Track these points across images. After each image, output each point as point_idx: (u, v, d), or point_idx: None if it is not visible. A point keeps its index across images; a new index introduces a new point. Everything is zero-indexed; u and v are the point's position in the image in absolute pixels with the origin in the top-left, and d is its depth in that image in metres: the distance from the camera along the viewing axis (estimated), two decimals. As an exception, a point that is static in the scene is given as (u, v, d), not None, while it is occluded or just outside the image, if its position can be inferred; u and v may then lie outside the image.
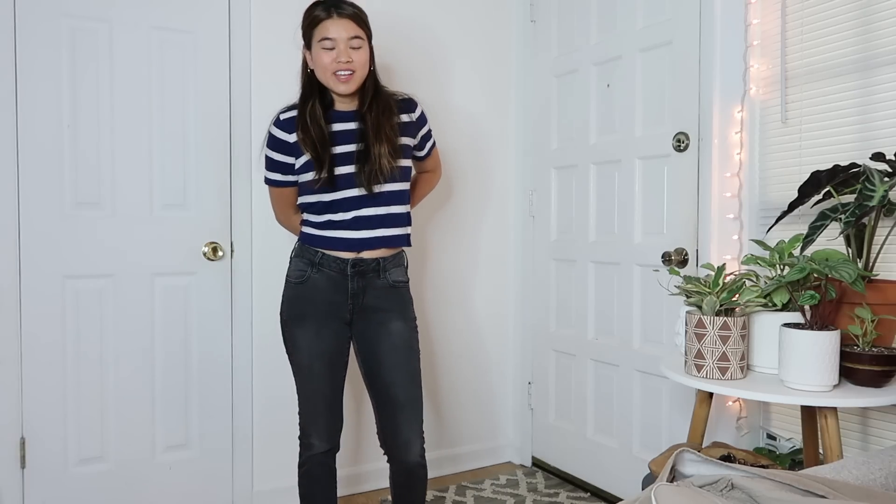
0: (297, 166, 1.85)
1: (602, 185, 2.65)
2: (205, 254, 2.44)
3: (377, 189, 1.82)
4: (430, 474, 2.85)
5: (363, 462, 2.74)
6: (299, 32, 1.85)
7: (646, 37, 2.44)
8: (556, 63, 2.87)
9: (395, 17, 2.76)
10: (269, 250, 2.54)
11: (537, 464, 3.03)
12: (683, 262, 2.29)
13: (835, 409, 1.55)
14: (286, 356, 2.56)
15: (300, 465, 1.92)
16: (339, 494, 2.40)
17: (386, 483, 2.75)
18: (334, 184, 1.81)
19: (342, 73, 1.77)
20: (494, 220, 3.06)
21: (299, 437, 1.94)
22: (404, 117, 1.91)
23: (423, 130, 1.99)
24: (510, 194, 3.09)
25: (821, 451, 1.76)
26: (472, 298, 3.01)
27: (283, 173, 1.89)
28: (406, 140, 1.91)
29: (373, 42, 1.87)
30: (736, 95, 2.21)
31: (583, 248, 2.74)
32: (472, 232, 2.99)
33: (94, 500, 2.30)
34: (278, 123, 1.85)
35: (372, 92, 1.84)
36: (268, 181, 1.93)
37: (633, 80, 2.49)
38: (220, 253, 2.46)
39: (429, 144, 2.05)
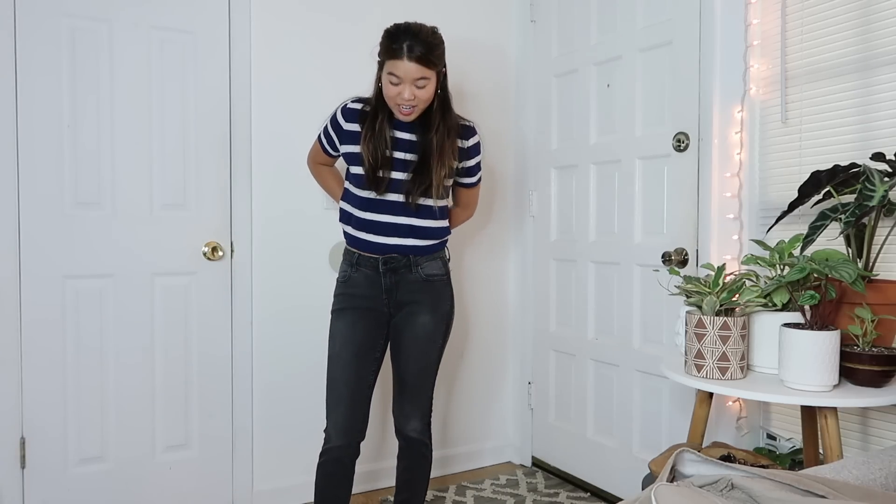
0: (341, 150, 2.03)
1: (602, 185, 2.65)
2: (205, 254, 2.44)
3: (420, 202, 1.94)
4: (431, 474, 2.84)
5: (363, 462, 2.73)
6: (377, 49, 1.91)
7: (646, 37, 2.44)
8: (556, 63, 2.87)
9: (395, 18, 2.76)
10: (269, 250, 2.55)
11: (537, 464, 3.03)
12: (683, 262, 2.29)
13: (835, 409, 1.55)
14: (286, 356, 2.60)
15: (319, 456, 1.97)
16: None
17: (386, 483, 2.76)
18: (381, 186, 1.92)
19: (404, 107, 1.88)
20: (494, 220, 3.06)
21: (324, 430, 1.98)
22: (459, 142, 2.01)
23: (473, 161, 2.07)
24: (510, 194, 3.09)
25: (821, 451, 1.76)
26: (472, 298, 3.01)
27: (328, 143, 2.07)
28: (455, 164, 2.01)
29: (442, 70, 1.93)
30: (736, 95, 2.21)
31: (583, 248, 2.74)
32: (472, 232, 2.99)
33: (94, 500, 2.30)
34: (344, 111, 1.99)
35: (440, 115, 1.95)
36: (318, 137, 2.12)
37: (633, 80, 2.49)
38: (220, 253, 2.46)
39: (475, 177, 2.12)
